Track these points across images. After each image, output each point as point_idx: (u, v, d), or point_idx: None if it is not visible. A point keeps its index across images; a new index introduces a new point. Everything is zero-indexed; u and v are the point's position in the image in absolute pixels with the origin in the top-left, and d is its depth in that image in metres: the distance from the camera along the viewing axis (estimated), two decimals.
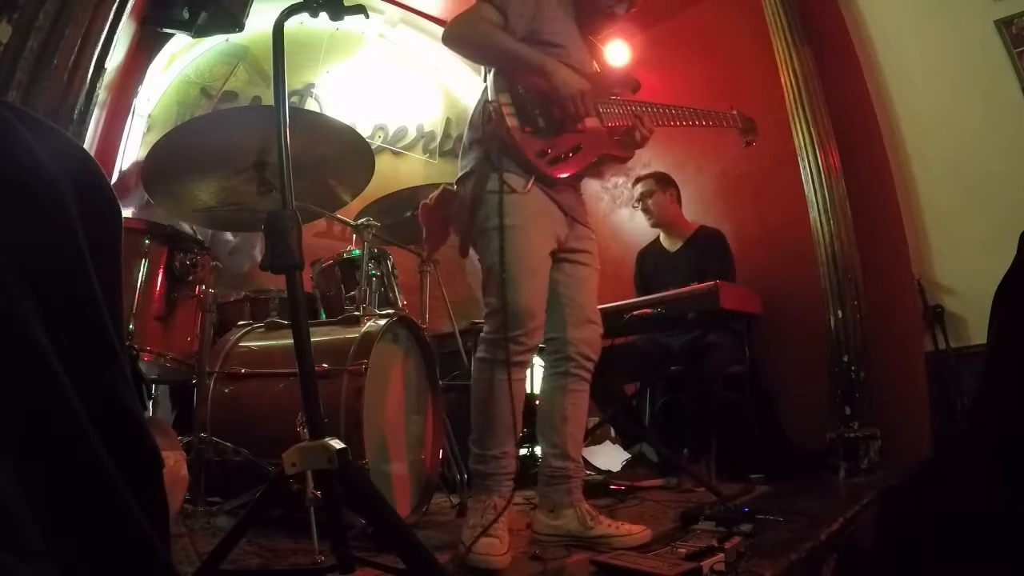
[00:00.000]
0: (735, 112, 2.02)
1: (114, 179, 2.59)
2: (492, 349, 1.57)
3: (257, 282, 2.71)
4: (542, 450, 1.74)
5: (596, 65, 1.86)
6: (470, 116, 1.76)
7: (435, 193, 1.97)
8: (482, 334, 1.62)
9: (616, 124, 1.76)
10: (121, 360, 0.70)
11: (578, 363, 1.69)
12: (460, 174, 1.72)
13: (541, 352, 1.76)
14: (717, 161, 3.44)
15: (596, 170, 1.82)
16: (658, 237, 3.16)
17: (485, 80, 1.70)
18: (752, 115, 2.06)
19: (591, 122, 1.71)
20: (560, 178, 1.66)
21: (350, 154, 1.93)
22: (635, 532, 1.57)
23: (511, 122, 1.60)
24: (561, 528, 1.62)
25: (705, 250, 2.94)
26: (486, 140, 1.64)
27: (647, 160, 3.94)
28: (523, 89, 1.64)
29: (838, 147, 2.94)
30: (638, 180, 3.12)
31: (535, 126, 1.63)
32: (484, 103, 1.67)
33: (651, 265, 3.13)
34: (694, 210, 3.24)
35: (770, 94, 3.10)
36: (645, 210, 3.05)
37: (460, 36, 1.67)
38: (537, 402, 1.78)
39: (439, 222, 1.95)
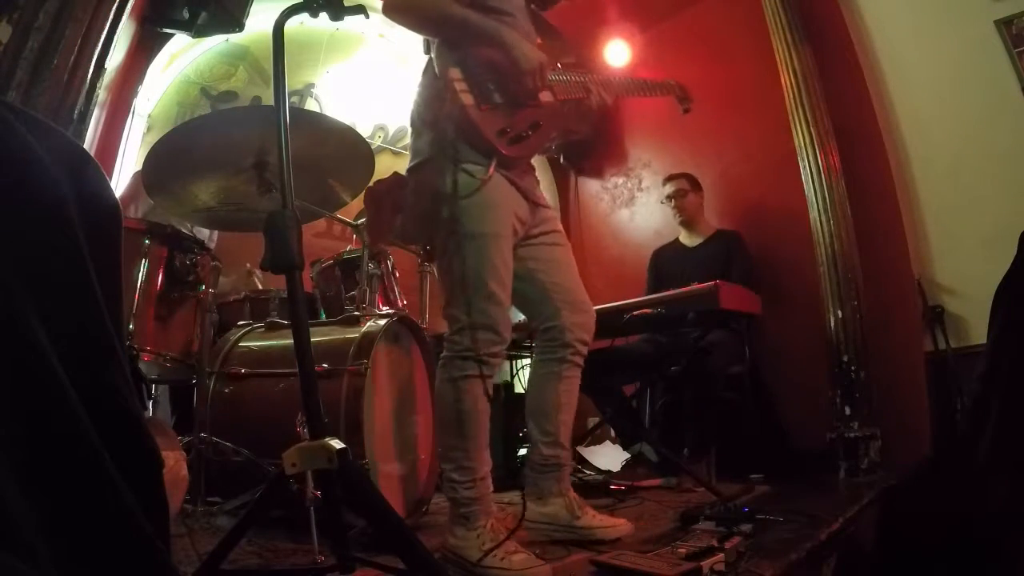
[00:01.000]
0: (672, 81, 2.07)
1: (118, 193, 2.58)
2: (475, 365, 1.44)
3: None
4: (532, 438, 1.65)
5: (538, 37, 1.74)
6: (415, 96, 1.59)
7: (385, 179, 1.89)
8: (452, 352, 1.47)
9: (568, 97, 1.66)
10: (121, 360, 0.70)
11: (576, 349, 1.64)
12: (412, 162, 1.56)
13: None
14: (717, 161, 3.44)
15: (553, 147, 1.77)
16: (676, 238, 3.21)
17: (428, 53, 1.56)
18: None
19: (546, 96, 1.58)
20: (521, 158, 1.53)
21: (350, 154, 1.92)
22: (618, 525, 1.59)
23: (466, 99, 1.44)
24: (549, 515, 1.61)
25: (727, 250, 2.97)
26: (440, 122, 1.47)
27: (647, 160, 3.94)
28: (474, 62, 1.48)
29: (838, 147, 2.94)
30: (669, 179, 3.17)
31: (491, 102, 1.48)
32: (432, 80, 1.52)
33: (667, 260, 3.17)
34: None
35: (770, 94, 3.10)
36: (678, 208, 3.11)
37: (403, 4, 1.51)
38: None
39: (386, 211, 1.85)
